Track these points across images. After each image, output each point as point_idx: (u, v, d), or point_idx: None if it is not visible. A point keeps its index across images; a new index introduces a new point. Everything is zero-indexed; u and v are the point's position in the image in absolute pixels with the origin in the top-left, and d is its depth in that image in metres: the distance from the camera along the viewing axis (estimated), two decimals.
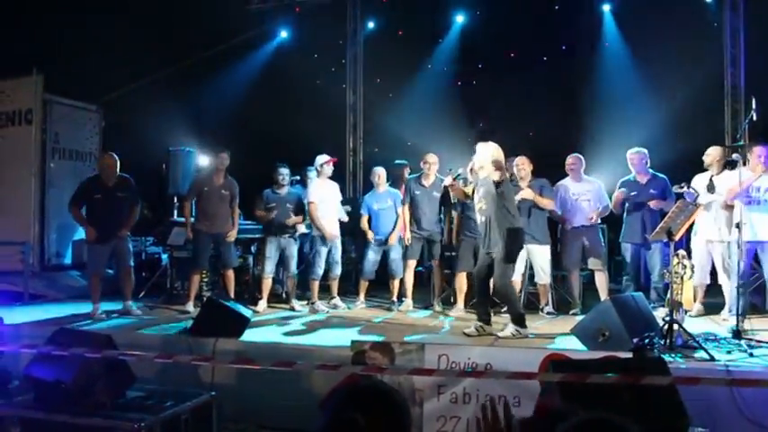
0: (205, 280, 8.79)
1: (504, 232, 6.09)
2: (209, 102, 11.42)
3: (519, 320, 6.14)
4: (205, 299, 6.99)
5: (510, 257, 6.16)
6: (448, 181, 6.83)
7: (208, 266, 8.17)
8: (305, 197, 7.95)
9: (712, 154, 7.11)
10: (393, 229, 7.85)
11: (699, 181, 7.08)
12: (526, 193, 7.16)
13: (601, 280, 7.38)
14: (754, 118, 8.86)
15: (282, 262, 7.99)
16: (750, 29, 9.93)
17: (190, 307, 7.53)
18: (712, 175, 6.96)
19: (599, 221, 7.51)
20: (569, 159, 7.57)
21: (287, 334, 6.42)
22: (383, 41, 11.87)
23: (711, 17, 10.39)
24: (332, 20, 11.97)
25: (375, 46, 11.92)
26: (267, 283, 7.89)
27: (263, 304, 7.82)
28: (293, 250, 7.94)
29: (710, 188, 6.90)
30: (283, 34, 12.51)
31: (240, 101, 11.65)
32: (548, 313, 7.33)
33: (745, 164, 6.97)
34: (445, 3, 11.63)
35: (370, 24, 12.15)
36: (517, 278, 7.39)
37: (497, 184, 6.09)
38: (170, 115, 10.71)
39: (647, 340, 5.23)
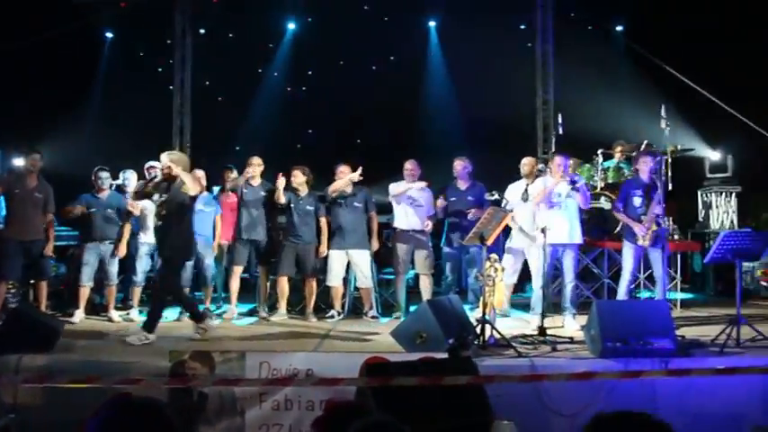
0: (12, 291, 8.12)
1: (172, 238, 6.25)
2: (23, 97, 10.50)
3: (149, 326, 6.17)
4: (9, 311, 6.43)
5: (171, 263, 6.31)
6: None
7: (17, 277, 7.50)
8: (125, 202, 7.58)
9: (527, 164, 7.65)
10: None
11: (513, 189, 7.60)
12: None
13: (425, 284, 7.62)
14: (560, 132, 9.72)
15: (102, 270, 7.54)
16: (558, 51, 10.83)
17: None
18: (528, 184, 7.48)
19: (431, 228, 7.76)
20: (408, 165, 7.68)
21: (104, 347, 6.04)
22: (213, 44, 11.61)
23: (525, 39, 11.23)
24: (160, 18, 11.50)
25: (205, 48, 11.61)
26: (84, 293, 7.43)
27: (79, 315, 7.34)
28: (114, 258, 7.52)
29: (524, 196, 7.41)
30: (109, 35, 11.86)
31: (58, 99, 10.84)
32: (371, 317, 7.45)
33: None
34: (277, 9, 11.57)
35: (200, 26, 11.80)
36: (338, 282, 7.53)
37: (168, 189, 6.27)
38: None
39: (461, 341, 5.50)
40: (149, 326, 6.15)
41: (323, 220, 7.63)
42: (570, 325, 6.76)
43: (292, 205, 7.49)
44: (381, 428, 1.75)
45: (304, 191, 7.56)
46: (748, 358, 5.37)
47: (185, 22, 11.61)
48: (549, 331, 6.09)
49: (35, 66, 10.62)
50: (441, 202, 7.73)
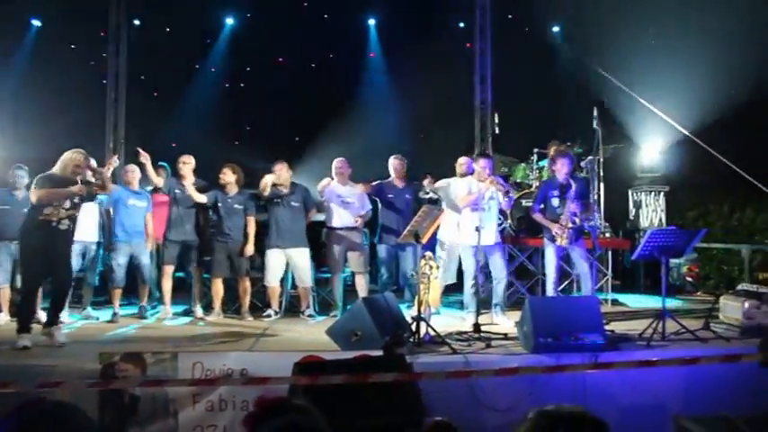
0: None
1: None
2: None
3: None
4: None
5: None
6: None
7: None
8: None
9: (464, 164, 7.75)
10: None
11: (456, 185, 7.69)
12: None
13: (360, 282, 7.63)
14: (497, 131, 9.88)
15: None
16: (496, 51, 10.99)
17: None
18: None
19: (362, 225, 7.78)
20: (338, 163, 7.71)
21: (27, 349, 5.81)
22: (150, 37, 11.34)
23: (464, 39, 11.36)
24: (93, 8, 11.16)
25: (141, 41, 11.33)
26: (4, 294, 7.17)
27: (3, 317, 7.08)
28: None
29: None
30: (36, 22, 11.41)
31: None
32: (308, 316, 7.42)
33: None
34: (215, 3, 11.41)
35: (136, 17, 11.50)
36: (276, 282, 7.47)
37: None
38: None
39: (396, 338, 5.52)
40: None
41: (250, 219, 7.50)
42: (500, 321, 6.89)
43: (220, 204, 7.40)
44: (295, 428, 1.74)
45: (233, 189, 7.47)
46: (672, 350, 5.56)
47: (120, 13, 11.28)
48: (483, 328, 6.17)
49: None
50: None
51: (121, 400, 4.79)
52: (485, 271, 7.28)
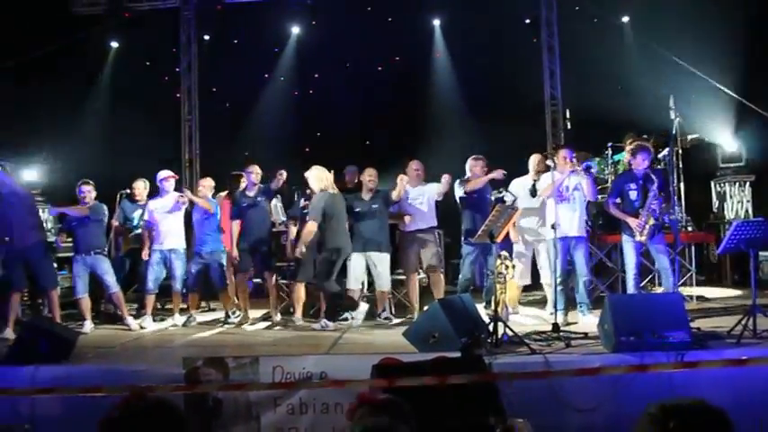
0: (27, 303, 8.20)
1: None
2: (25, 112, 10.54)
3: None
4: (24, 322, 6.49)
5: None
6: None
7: (25, 286, 7.57)
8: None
9: (534, 160, 7.62)
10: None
11: (518, 183, 7.58)
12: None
13: (436, 283, 7.57)
14: (569, 126, 9.69)
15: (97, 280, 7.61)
16: (564, 44, 10.78)
17: (9, 333, 6.92)
18: (535, 180, 7.44)
19: (434, 225, 7.73)
20: (415, 165, 7.66)
21: (118, 356, 6.07)
22: (219, 51, 11.68)
23: (531, 34, 11.18)
24: (165, 27, 11.58)
25: (210, 55, 11.67)
26: (84, 303, 7.49)
27: (88, 325, 7.41)
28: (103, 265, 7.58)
29: (533, 192, 7.38)
30: (113, 43, 11.90)
31: (65, 110, 10.91)
32: (385, 318, 7.43)
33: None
34: (281, 13, 11.59)
35: (205, 33, 11.86)
36: (358, 286, 7.50)
37: None
38: None
39: (474, 339, 5.48)
40: None
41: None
42: (585, 320, 6.72)
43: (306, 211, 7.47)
44: (392, 425, 1.76)
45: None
46: (765, 348, 5.30)
47: (190, 30, 11.68)
48: (564, 327, 6.05)
49: (37, 80, 10.59)
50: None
51: (206, 404, 4.93)
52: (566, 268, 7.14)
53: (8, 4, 9.96)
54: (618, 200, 6.88)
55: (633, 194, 6.77)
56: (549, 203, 6.82)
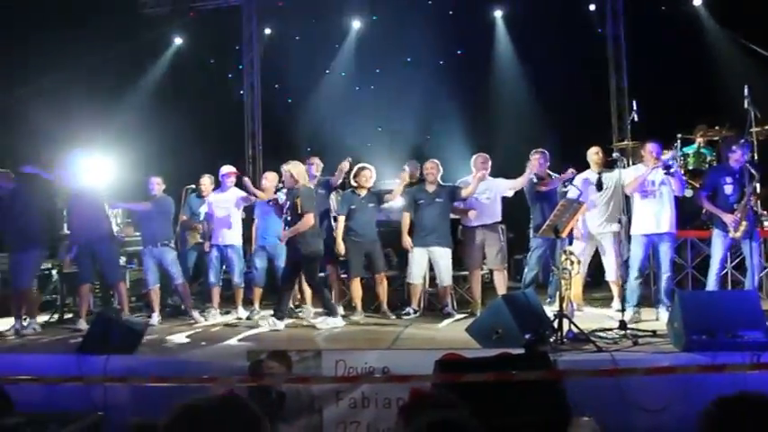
0: (99, 295, 8.49)
1: None
2: (103, 110, 10.88)
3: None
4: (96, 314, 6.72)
5: None
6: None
7: (94, 279, 7.84)
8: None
9: (593, 153, 7.43)
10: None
11: (582, 178, 7.39)
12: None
13: (499, 279, 7.49)
14: (636, 119, 9.38)
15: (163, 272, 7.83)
16: (630, 35, 10.46)
17: (82, 324, 7.19)
18: (599, 173, 7.25)
19: (499, 219, 7.63)
20: (481, 158, 7.54)
21: (184, 348, 6.22)
22: (281, 47, 11.78)
23: (595, 24, 10.89)
24: (227, 25, 11.78)
25: (272, 51, 11.80)
26: (152, 296, 7.73)
27: (156, 317, 7.63)
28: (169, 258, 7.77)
29: (599, 186, 7.19)
30: (178, 40, 12.16)
31: (135, 108, 11.21)
32: (447, 314, 7.38)
33: (629, 161, 7.38)
34: (341, 8, 11.61)
35: (267, 30, 12.00)
36: (420, 280, 7.48)
37: None
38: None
39: (538, 336, 5.38)
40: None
41: (340, 218, 7.50)
42: (665, 318, 6.50)
43: (354, 206, 7.49)
44: (447, 423, 1.72)
45: (364, 190, 7.56)
46: None
47: (252, 27, 11.83)
48: (642, 325, 5.88)
49: (107, 79, 10.93)
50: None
51: (269, 397, 4.99)
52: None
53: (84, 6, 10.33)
54: (710, 193, 6.66)
55: (729, 189, 6.54)
56: (635, 198, 6.74)
